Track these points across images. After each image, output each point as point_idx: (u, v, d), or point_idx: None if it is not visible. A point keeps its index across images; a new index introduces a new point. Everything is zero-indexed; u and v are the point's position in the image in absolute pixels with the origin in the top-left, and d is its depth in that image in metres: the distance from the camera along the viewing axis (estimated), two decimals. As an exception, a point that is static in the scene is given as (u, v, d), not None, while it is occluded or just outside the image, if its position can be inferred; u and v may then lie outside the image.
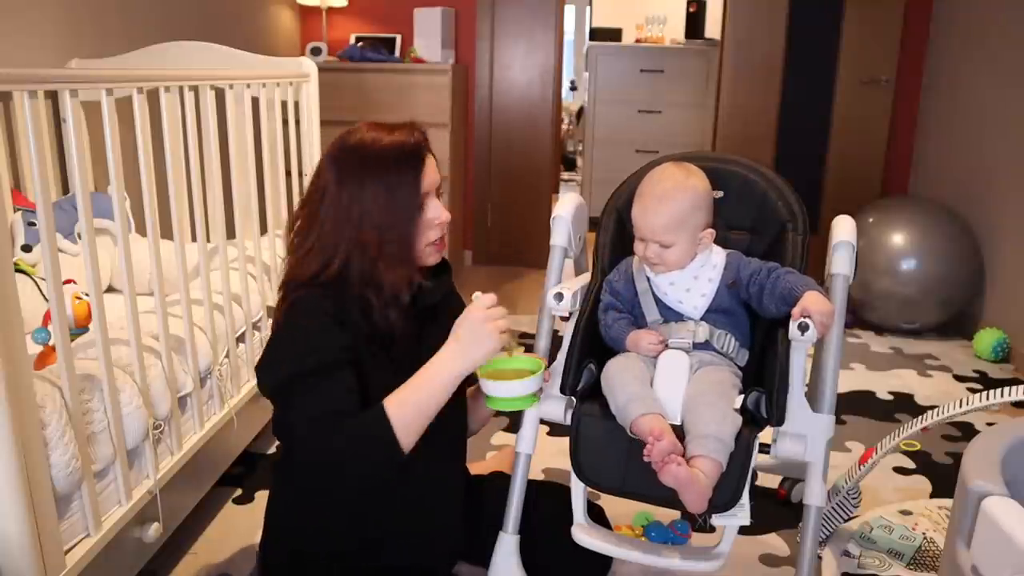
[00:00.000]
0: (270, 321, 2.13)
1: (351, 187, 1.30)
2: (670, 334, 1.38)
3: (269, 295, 2.15)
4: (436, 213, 1.35)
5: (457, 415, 1.48)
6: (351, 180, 1.31)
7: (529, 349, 1.40)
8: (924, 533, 1.88)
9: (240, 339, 1.99)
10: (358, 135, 1.33)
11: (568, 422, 1.40)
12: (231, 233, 2.14)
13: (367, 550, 1.42)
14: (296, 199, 2.36)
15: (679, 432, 1.25)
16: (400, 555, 1.43)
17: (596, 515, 1.53)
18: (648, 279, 1.43)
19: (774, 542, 1.85)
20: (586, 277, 1.59)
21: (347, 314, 1.29)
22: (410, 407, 1.23)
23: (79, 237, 1.78)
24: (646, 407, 1.25)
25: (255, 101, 2.22)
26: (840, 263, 1.41)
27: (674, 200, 1.36)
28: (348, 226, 1.30)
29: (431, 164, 1.36)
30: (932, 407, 1.76)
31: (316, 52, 3.94)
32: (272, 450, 2.21)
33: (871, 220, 3.33)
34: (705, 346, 1.37)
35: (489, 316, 1.25)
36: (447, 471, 1.48)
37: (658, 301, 1.42)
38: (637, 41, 5.84)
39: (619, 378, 1.33)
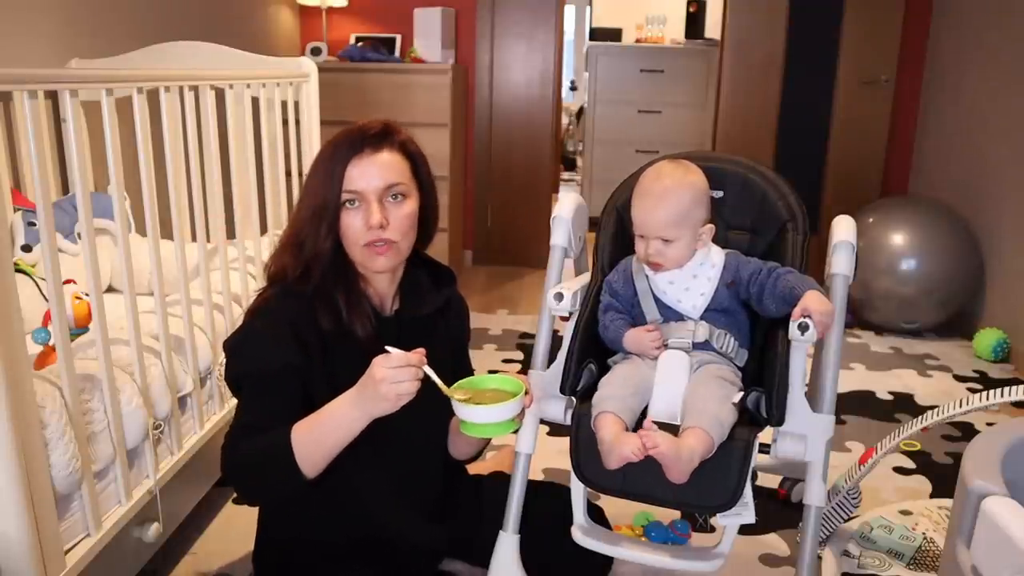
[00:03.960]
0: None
1: (308, 179, 1.32)
2: (670, 334, 1.38)
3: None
4: (367, 216, 1.27)
5: (430, 426, 1.44)
6: (311, 171, 1.33)
7: (528, 349, 1.39)
8: (924, 533, 1.88)
9: (240, 339, 1.98)
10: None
11: (568, 422, 1.40)
12: (231, 233, 2.14)
13: (352, 550, 1.41)
14: (296, 199, 2.36)
15: (677, 433, 1.25)
16: (378, 557, 1.42)
17: (596, 515, 1.53)
18: (647, 278, 1.43)
19: (774, 542, 1.85)
20: (586, 277, 1.59)
21: (310, 318, 1.28)
22: (312, 438, 1.19)
23: (79, 237, 1.78)
24: (611, 407, 1.27)
25: (255, 101, 2.22)
26: (840, 263, 1.41)
27: (675, 195, 1.37)
28: (301, 219, 1.31)
29: (374, 163, 1.28)
30: (932, 407, 1.76)
31: (316, 52, 3.94)
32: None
33: (871, 220, 3.33)
34: (705, 346, 1.37)
35: (388, 378, 1.12)
36: (418, 477, 1.45)
37: (658, 301, 1.42)
38: (637, 41, 5.84)
39: (610, 378, 1.36)
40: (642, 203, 1.39)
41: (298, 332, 1.27)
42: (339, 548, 1.41)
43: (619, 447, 1.22)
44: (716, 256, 1.41)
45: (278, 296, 1.31)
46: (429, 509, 1.47)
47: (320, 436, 1.19)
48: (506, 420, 1.17)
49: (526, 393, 1.20)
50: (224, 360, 1.33)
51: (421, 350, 1.16)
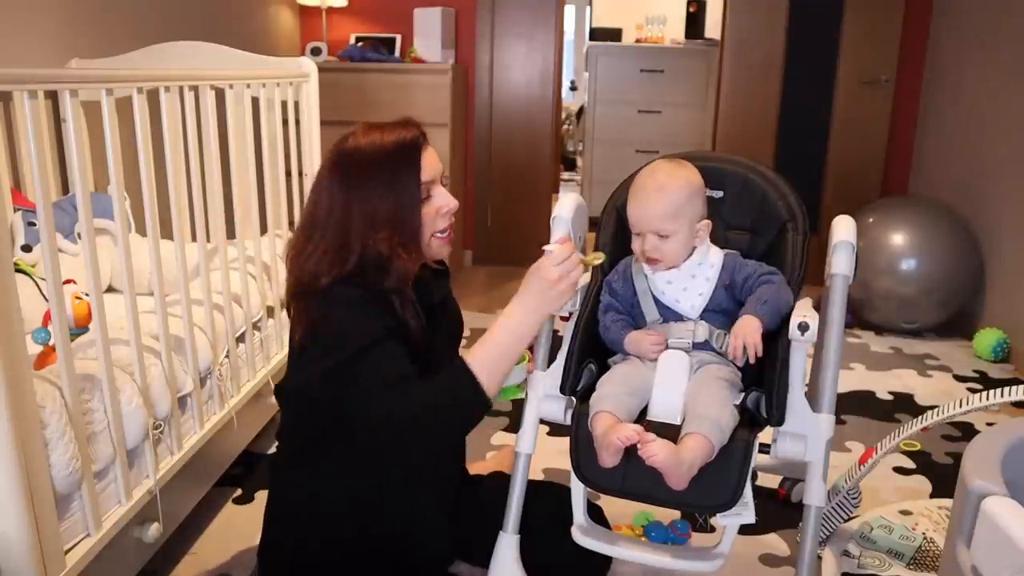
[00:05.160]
0: (271, 321, 2.14)
1: (356, 190, 1.31)
2: (669, 334, 1.38)
3: (269, 295, 2.15)
4: (443, 201, 1.37)
5: None
6: (355, 183, 1.31)
7: (529, 349, 1.40)
8: (924, 533, 1.88)
9: (240, 339, 1.99)
10: (356, 139, 1.34)
11: (568, 422, 1.40)
12: (231, 233, 2.14)
13: (364, 549, 1.42)
14: (296, 199, 2.36)
15: (677, 433, 1.25)
16: (395, 555, 1.43)
17: (596, 515, 1.53)
18: (647, 278, 1.43)
19: (774, 542, 1.85)
20: (586, 277, 1.59)
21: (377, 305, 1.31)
22: (494, 360, 1.27)
23: (79, 237, 1.78)
24: (608, 406, 1.28)
25: (255, 101, 2.22)
26: (840, 263, 1.41)
27: (670, 189, 1.37)
28: (358, 229, 1.30)
29: (430, 154, 1.37)
30: (932, 407, 1.76)
31: (316, 52, 3.94)
32: (272, 450, 2.21)
33: (871, 220, 3.33)
34: (704, 346, 1.37)
35: (563, 274, 1.26)
36: (449, 473, 1.49)
37: (657, 301, 1.42)
38: (637, 41, 5.84)
39: (609, 377, 1.36)
40: (637, 199, 1.40)
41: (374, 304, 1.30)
42: (354, 546, 1.42)
43: (611, 436, 1.22)
44: (715, 256, 1.41)
45: (340, 286, 1.29)
46: (449, 509, 1.50)
47: (502, 353, 1.28)
48: (512, 385, 1.28)
49: (529, 361, 1.30)
50: (303, 364, 1.33)
51: (563, 234, 1.30)
